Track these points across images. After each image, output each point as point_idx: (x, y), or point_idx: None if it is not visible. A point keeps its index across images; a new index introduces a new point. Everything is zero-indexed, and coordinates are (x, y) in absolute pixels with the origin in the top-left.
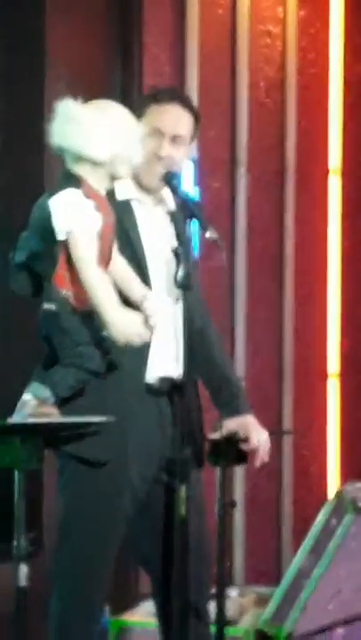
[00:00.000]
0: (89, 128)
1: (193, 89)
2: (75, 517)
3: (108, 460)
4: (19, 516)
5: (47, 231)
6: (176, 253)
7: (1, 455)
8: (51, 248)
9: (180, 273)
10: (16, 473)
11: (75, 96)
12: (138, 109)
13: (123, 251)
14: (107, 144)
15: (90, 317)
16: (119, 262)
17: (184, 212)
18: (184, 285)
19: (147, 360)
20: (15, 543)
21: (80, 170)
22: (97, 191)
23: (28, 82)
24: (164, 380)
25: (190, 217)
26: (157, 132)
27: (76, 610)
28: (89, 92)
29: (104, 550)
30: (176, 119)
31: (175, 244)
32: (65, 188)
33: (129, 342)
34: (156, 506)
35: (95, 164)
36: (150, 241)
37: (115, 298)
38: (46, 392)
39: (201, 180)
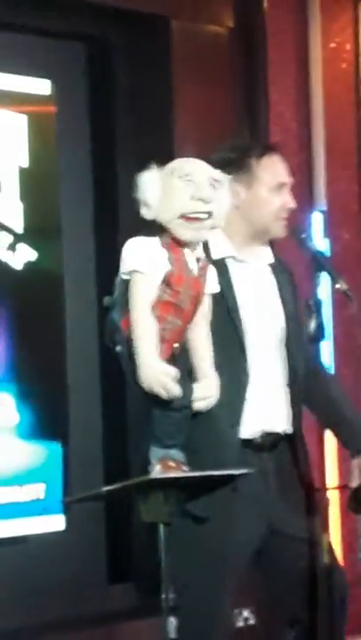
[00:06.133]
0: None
1: (320, 144)
2: (184, 574)
3: (211, 516)
4: (165, 569)
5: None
6: (308, 305)
7: (146, 511)
8: (123, 293)
9: (312, 325)
10: (161, 527)
11: (204, 157)
12: (249, 163)
13: (218, 310)
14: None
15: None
16: (199, 334)
17: (313, 265)
18: (316, 337)
19: (241, 414)
20: (163, 596)
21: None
22: (182, 246)
23: (158, 148)
24: (267, 434)
25: (319, 270)
26: (281, 186)
27: None
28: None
29: (215, 604)
30: (284, 168)
31: (276, 296)
32: (147, 234)
33: (152, 390)
34: (281, 559)
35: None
36: (247, 298)
37: (153, 343)
38: (160, 452)
39: (331, 231)
